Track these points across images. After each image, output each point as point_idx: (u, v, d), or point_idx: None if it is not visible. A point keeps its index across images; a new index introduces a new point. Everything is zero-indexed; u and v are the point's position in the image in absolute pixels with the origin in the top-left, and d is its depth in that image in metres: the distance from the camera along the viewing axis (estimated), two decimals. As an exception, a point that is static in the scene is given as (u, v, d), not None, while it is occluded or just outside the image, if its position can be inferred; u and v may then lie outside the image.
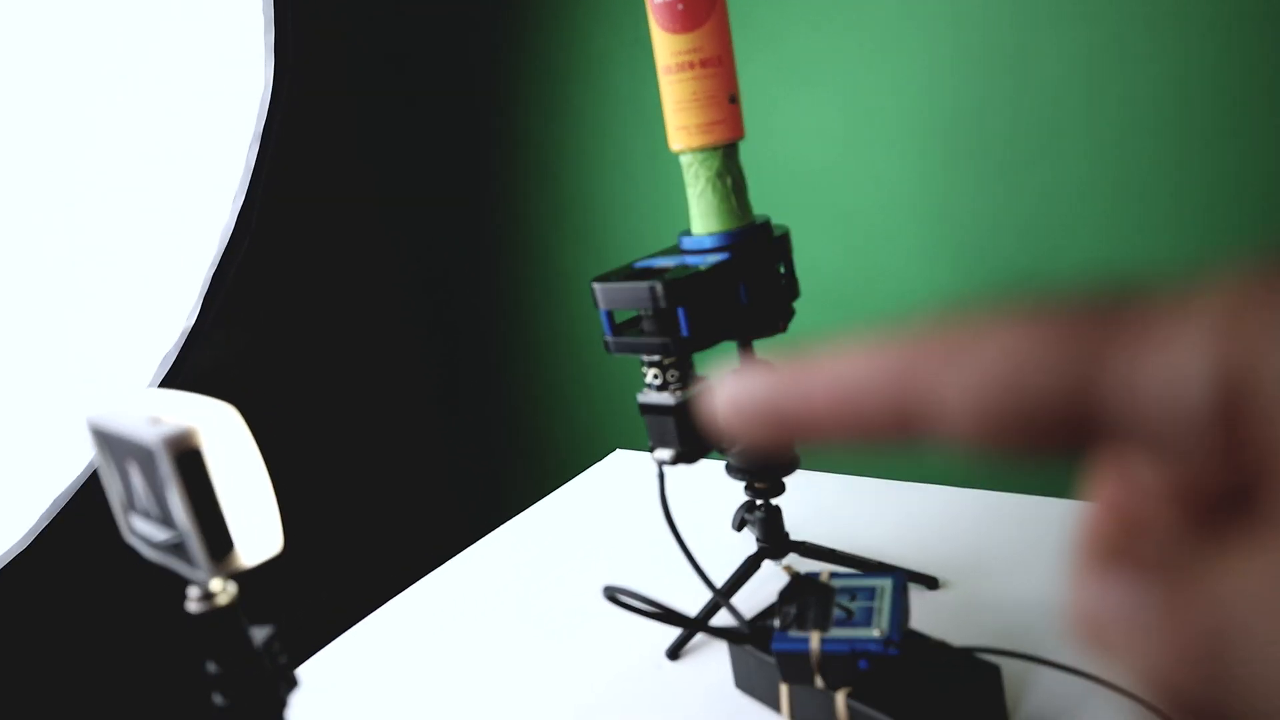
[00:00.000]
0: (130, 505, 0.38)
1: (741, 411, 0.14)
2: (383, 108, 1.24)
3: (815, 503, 0.80)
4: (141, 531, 0.37)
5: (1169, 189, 0.84)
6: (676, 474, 0.92)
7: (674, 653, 0.62)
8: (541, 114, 1.16)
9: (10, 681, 0.92)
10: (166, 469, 0.33)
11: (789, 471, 0.64)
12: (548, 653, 0.66)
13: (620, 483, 0.93)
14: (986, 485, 0.98)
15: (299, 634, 1.18)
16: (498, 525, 1.46)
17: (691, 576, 0.73)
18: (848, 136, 0.97)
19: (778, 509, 0.66)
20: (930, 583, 0.64)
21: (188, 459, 0.33)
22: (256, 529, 0.35)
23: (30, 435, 0.96)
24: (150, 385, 1.06)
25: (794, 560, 0.71)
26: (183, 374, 1.08)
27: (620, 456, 1.03)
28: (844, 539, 0.73)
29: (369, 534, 1.28)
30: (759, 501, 0.66)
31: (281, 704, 0.39)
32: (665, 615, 0.53)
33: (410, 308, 1.35)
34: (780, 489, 0.65)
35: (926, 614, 0.61)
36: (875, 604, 0.51)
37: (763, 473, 0.63)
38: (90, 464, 1.01)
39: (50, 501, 0.97)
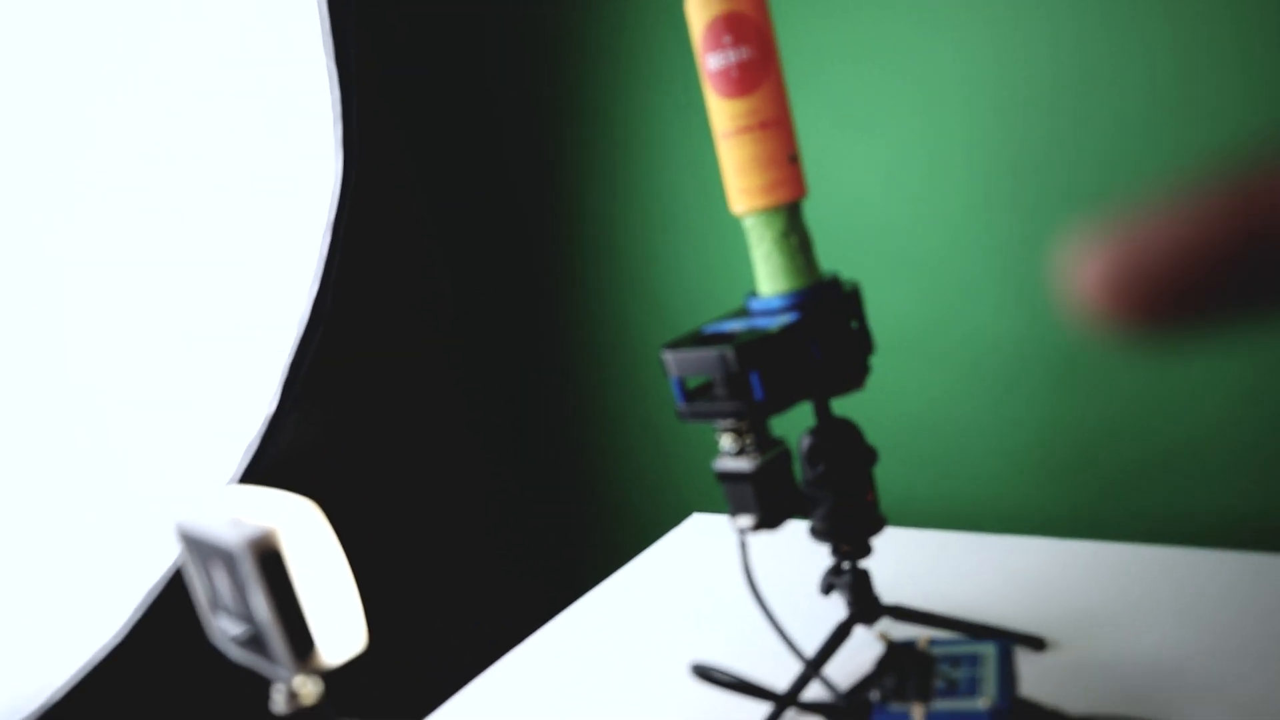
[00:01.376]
0: (216, 605, 0.38)
1: (1120, 286, 0.13)
2: (448, 189, 1.28)
3: (906, 561, 0.77)
4: (227, 632, 0.38)
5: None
6: (758, 539, 0.90)
7: (768, 730, 0.60)
8: (601, 185, 1.17)
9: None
10: (248, 570, 0.33)
11: (875, 532, 0.62)
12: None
13: (699, 548, 0.91)
14: (1087, 535, 0.93)
15: None
16: (576, 598, 1.44)
17: (780, 647, 0.70)
18: (912, 184, 0.96)
19: (866, 572, 0.63)
20: (1036, 644, 0.60)
21: (269, 560, 0.33)
22: (339, 627, 0.34)
23: (118, 533, 0.99)
24: (235, 474, 1.08)
25: (888, 626, 0.68)
26: (264, 461, 1.11)
27: (698, 521, 1.01)
28: (939, 599, 0.70)
29: (449, 617, 1.28)
30: (846, 564, 0.63)
31: (371, 804, 0.39)
32: (756, 691, 0.51)
33: (478, 379, 1.36)
34: (867, 550, 0.62)
35: (1035, 679, 0.58)
36: (980, 671, 0.48)
37: (848, 534, 0.61)
38: (176, 561, 1.03)
39: (140, 599, 0.99)
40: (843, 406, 1.02)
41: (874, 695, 0.50)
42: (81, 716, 0.94)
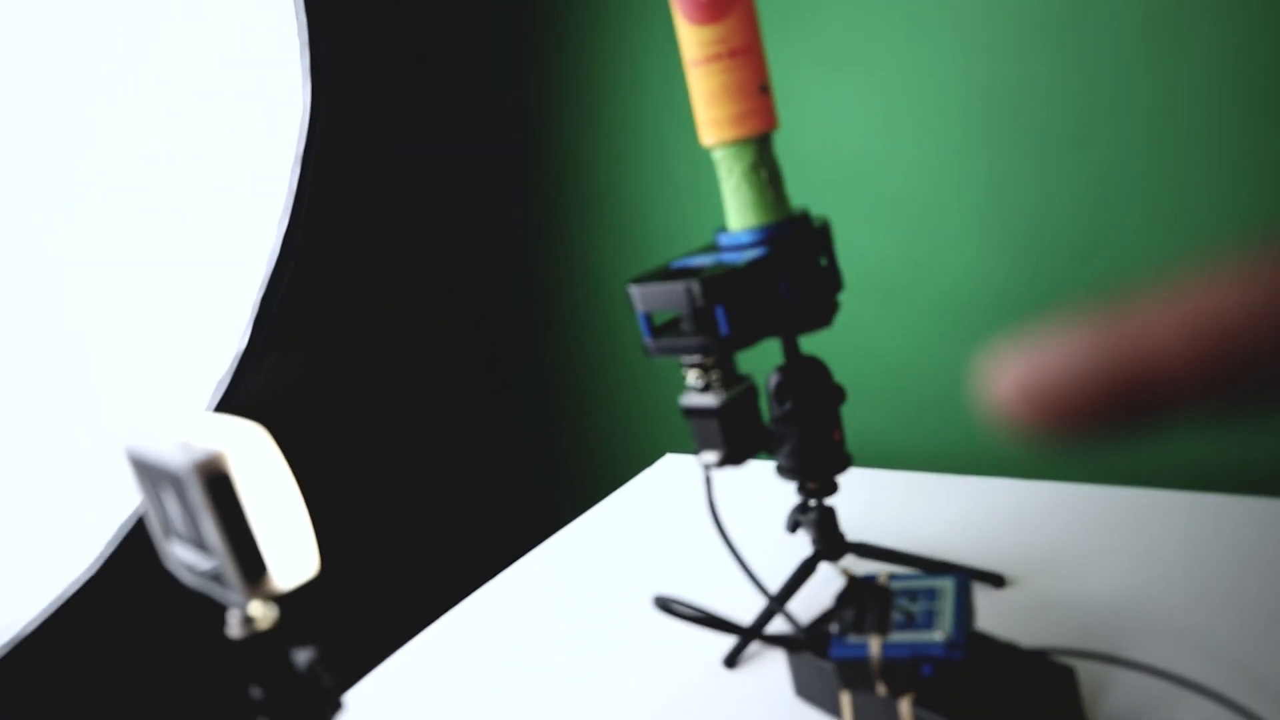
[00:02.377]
0: (168, 531, 0.38)
1: (1035, 399, 0.14)
2: (415, 119, 1.25)
3: (872, 500, 0.78)
4: (180, 558, 0.37)
5: (1227, 159, 0.80)
6: (727, 477, 0.90)
7: (731, 661, 0.61)
8: (575, 116, 1.15)
9: (74, 706, 0.94)
10: (197, 495, 0.32)
11: (841, 470, 0.62)
12: (603, 664, 0.64)
13: (671, 488, 0.92)
14: (1050, 475, 0.94)
15: (349, 656, 1.19)
16: (548, 536, 1.45)
17: (747, 582, 0.71)
18: (887, 122, 0.95)
19: (831, 509, 0.63)
20: (996, 581, 0.61)
21: (218, 484, 0.32)
22: (290, 552, 0.34)
23: (90, 468, 0.98)
24: (207, 409, 1.07)
25: (851, 562, 0.69)
26: (237, 397, 1.10)
27: (670, 461, 1.02)
28: (903, 537, 0.71)
29: (419, 551, 1.28)
30: (812, 502, 0.64)
31: (326, 727, 0.39)
32: (718, 624, 0.52)
33: (451, 318, 1.35)
34: (833, 488, 0.63)
35: (993, 614, 0.59)
36: (937, 606, 0.49)
37: (814, 471, 0.61)
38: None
39: (112, 532, 0.99)
40: (821, 348, 1.02)
41: (833, 628, 0.50)
42: (55, 646, 0.94)
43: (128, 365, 1.02)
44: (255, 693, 0.38)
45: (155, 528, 0.38)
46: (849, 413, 1.01)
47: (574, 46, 1.13)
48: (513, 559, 1.44)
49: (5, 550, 0.93)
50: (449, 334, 1.34)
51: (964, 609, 0.49)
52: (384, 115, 1.21)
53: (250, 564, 0.33)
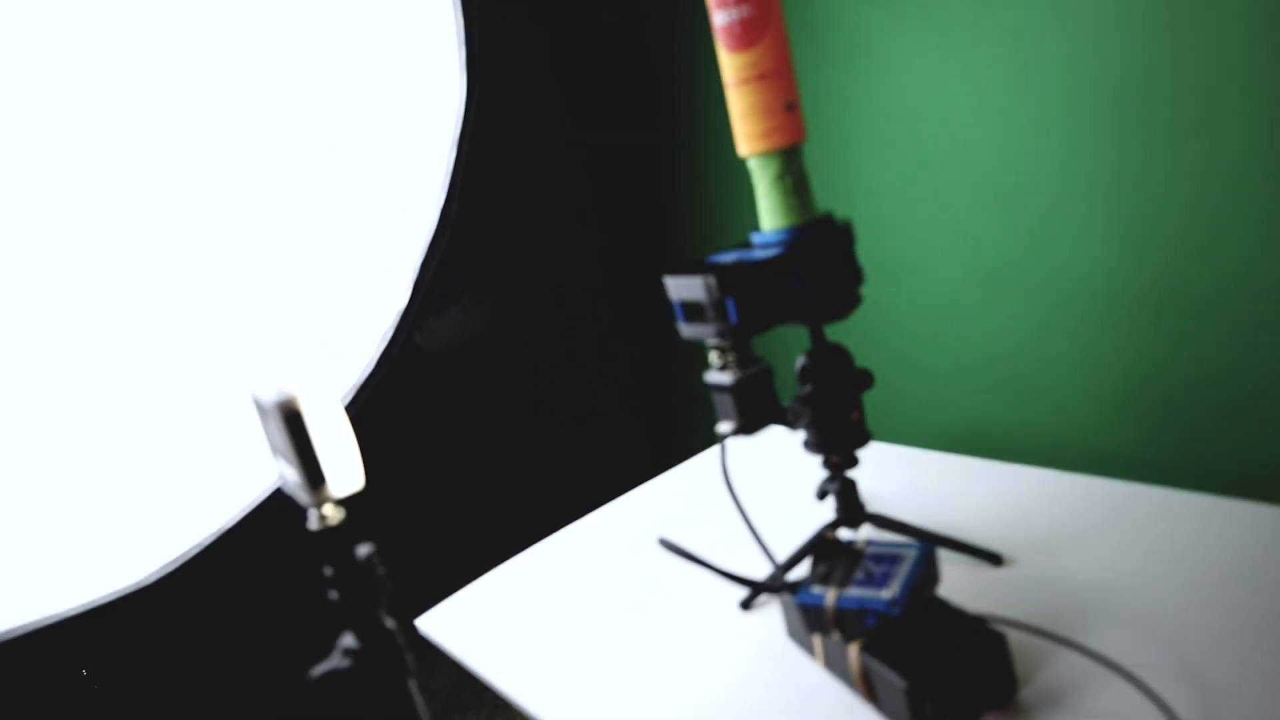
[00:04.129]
0: (275, 450, 0.52)
1: None
2: (571, 103, 1.38)
3: (904, 478, 0.84)
4: (280, 469, 0.52)
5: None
6: (782, 445, 0.98)
7: (746, 604, 0.70)
8: (716, 105, 1.23)
9: (208, 644, 1.16)
10: (277, 423, 0.46)
11: (860, 445, 0.69)
12: (651, 599, 0.75)
13: (772, 447, 1.00)
14: (1133, 473, 0.94)
15: (468, 559, 1.37)
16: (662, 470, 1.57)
17: (786, 537, 0.79)
18: (1004, 108, 0.97)
19: (852, 482, 0.71)
20: (994, 559, 0.66)
21: (292, 418, 0.46)
22: (342, 469, 0.47)
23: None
24: (372, 359, 1.27)
25: (868, 530, 0.76)
26: (399, 342, 1.29)
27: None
28: (923, 514, 0.76)
29: (525, 482, 1.44)
30: (837, 473, 0.71)
31: (376, 603, 0.52)
32: (707, 566, 0.61)
33: (600, 294, 1.48)
34: (854, 462, 0.70)
35: (984, 588, 0.64)
36: (895, 570, 0.56)
37: (830, 448, 0.68)
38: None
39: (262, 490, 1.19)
40: (921, 329, 1.06)
41: (807, 579, 0.58)
42: (209, 577, 1.16)
43: (301, 324, 1.22)
44: (327, 571, 0.51)
45: (271, 448, 0.53)
46: (952, 390, 1.05)
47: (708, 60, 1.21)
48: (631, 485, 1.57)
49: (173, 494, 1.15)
50: (594, 299, 1.48)
51: (919, 575, 0.55)
52: (531, 107, 1.35)
53: (313, 476, 0.47)
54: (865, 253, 1.11)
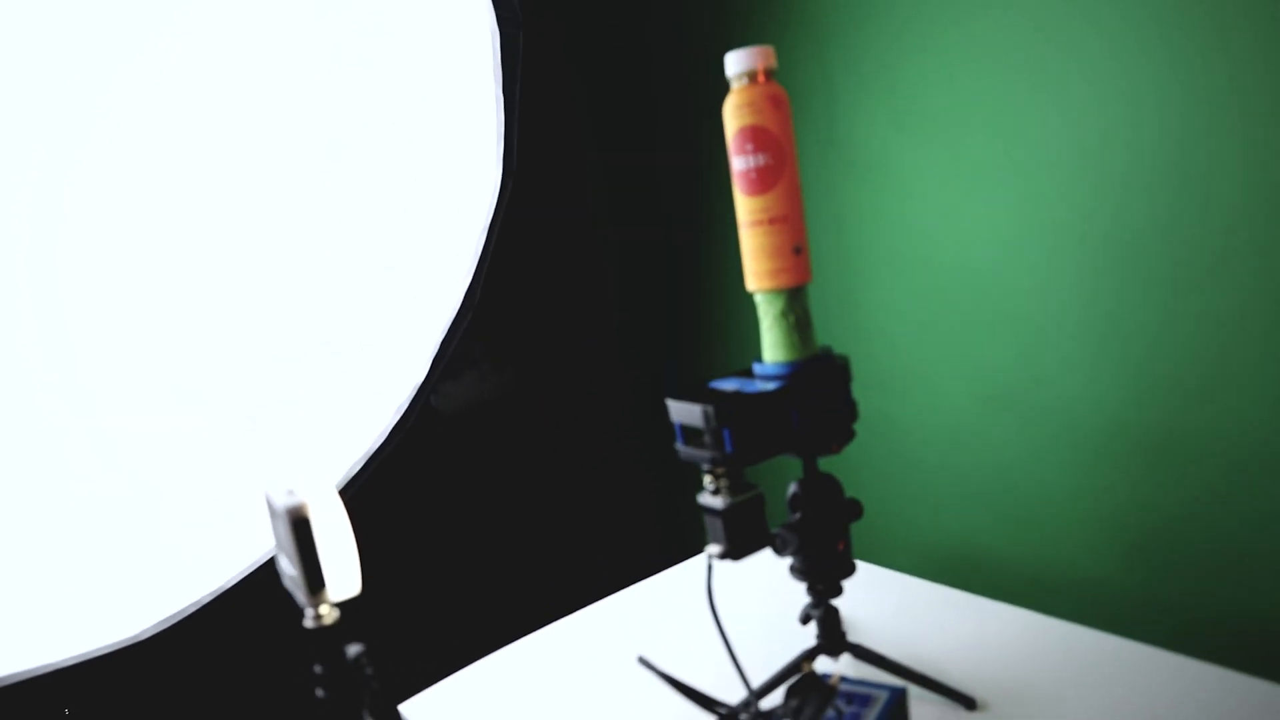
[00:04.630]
0: (280, 548, 0.55)
1: None
2: (597, 199, 1.43)
3: (889, 605, 0.85)
4: (283, 567, 0.54)
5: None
6: (770, 563, 0.99)
7: (722, 723, 0.71)
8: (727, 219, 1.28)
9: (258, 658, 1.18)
10: (285, 528, 0.49)
11: (845, 576, 0.71)
12: (629, 699, 0.77)
13: (745, 565, 1.02)
14: (1057, 612, 0.95)
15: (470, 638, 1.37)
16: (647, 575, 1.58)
17: (760, 660, 0.80)
18: (1017, 241, 1.00)
19: (835, 610, 0.72)
20: (968, 703, 0.67)
21: (300, 524, 0.49)
22: (342, 577, 0.50)
23: (286, 460, 1.22)
24: (385, 429, 1.30)
25: (846, 660, 0.77)
26: (412, 416, 1.32)
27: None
28: (904, 646, 0.77)
29: (526, 563, 1.45)
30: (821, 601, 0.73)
31: (361, 702, 0.54)
32: (682, 690, 0.63)
33: (610, 382, 1.51)
34: (838, 591, 0.71)
35: (956, 731, 0.65)
36: (865, 712, 0.57)
37: (816, 577, 0.70)
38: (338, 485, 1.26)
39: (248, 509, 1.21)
40: (921, 446, 1.08)
41: (777, 712, 0.60)
42: (246, 606, 1.18)
43: (301, 324, 1.22)
44: (316, 669, 0.54)
45: (276, 543, 0.56)
46: (952, 512, 1.06)
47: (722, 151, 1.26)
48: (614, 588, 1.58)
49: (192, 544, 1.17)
50: (604, 391, 1.51)
51: (888, 718, 0.57)
52: (562, 194, 1.41)
53: (314, 581, 0.49)
54: (871, 365, 1.14)
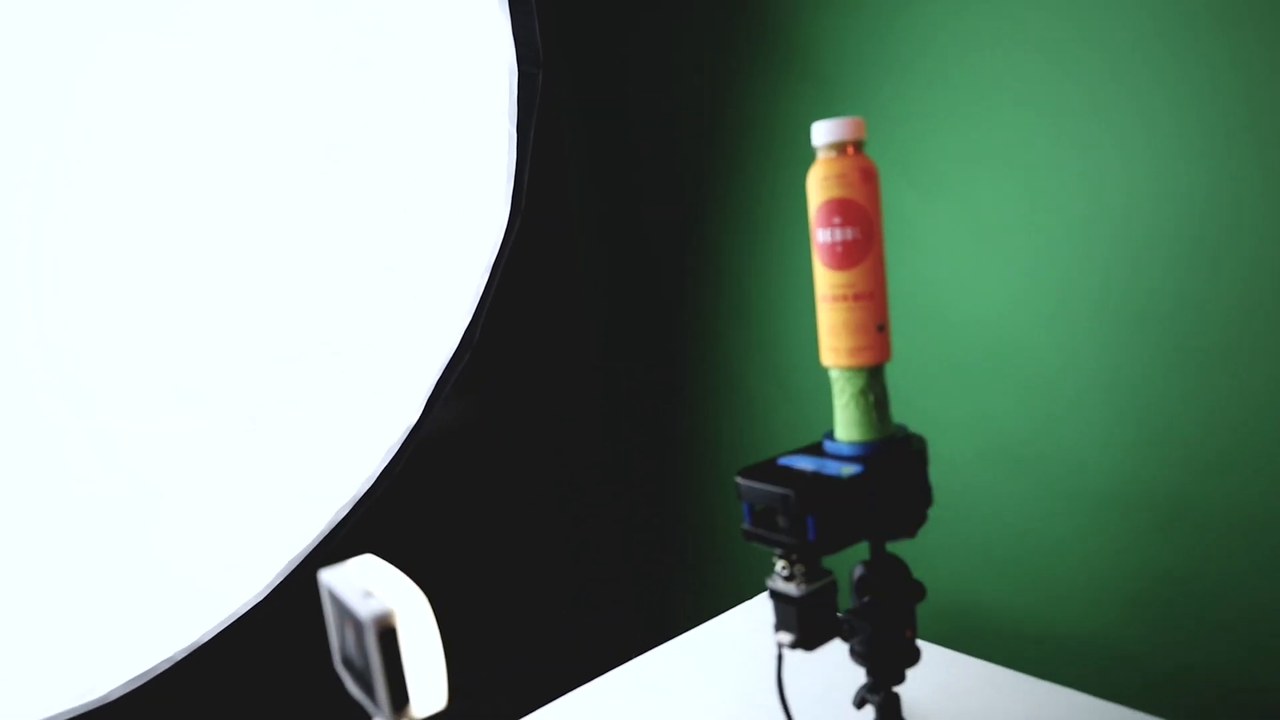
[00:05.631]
0: (343, 648, 0.49)
1: None
2: (600, 247, 1.39)
3: (946, 688, 0.82)
4: (346, 670, 0.49)
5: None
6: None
7: (780, 821, 0.67)
8: (744, 263, 1.26)
9: (236, 714, 1.10)
10: (370, 638, 0.44)
11: (911, 664, 0.68)
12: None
13: (764, 626, 0.98)
14: (1124, 689, 0.94)
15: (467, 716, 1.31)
16: (658, 639, 1.53)
17: (813, 742, 0.77)
18: (1034, 303, 0.99)
19: (896, 695, 0.69)
20: (1042, 802, 0.65)
21: (387, 634, 0.43)
22: (428, 691, 0.45)
23: (276, 510, 1.15)
24: (375, 470, 1.23)
25: (910, 749, 0.74)
26: (404, 457, 1.26)
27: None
28: (966, 734, 0.75)
29: (539, 629, 1.39)
30: (880, 686, 0.70)
31: (431, 824, 0.49)
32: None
33: (606, 418, 1.47)
34: (900, 679, 0.68)
35: (1032, 835, 0.62)
36: (963, 826, 0.54)
37: (883, 665, 0.67)
38: (323, 530, 1.19)
39: (286, 561, 1.15)
40: (939, 510, 1.07)
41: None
42: (225, 658, 1.10)
43: (322, 391, 1.19)
44: (383, 785, 0.48)
45: (334, 639, 0.50)
46: (955, 573, 1.04)
47: (744, 184, 1.24)
48: (619, 659, 1.53)
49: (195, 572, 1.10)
50: (600, 434, 1.46)
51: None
52: (569, 241, 1.36)
53: (398, 696, 0.44)
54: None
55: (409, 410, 1.27)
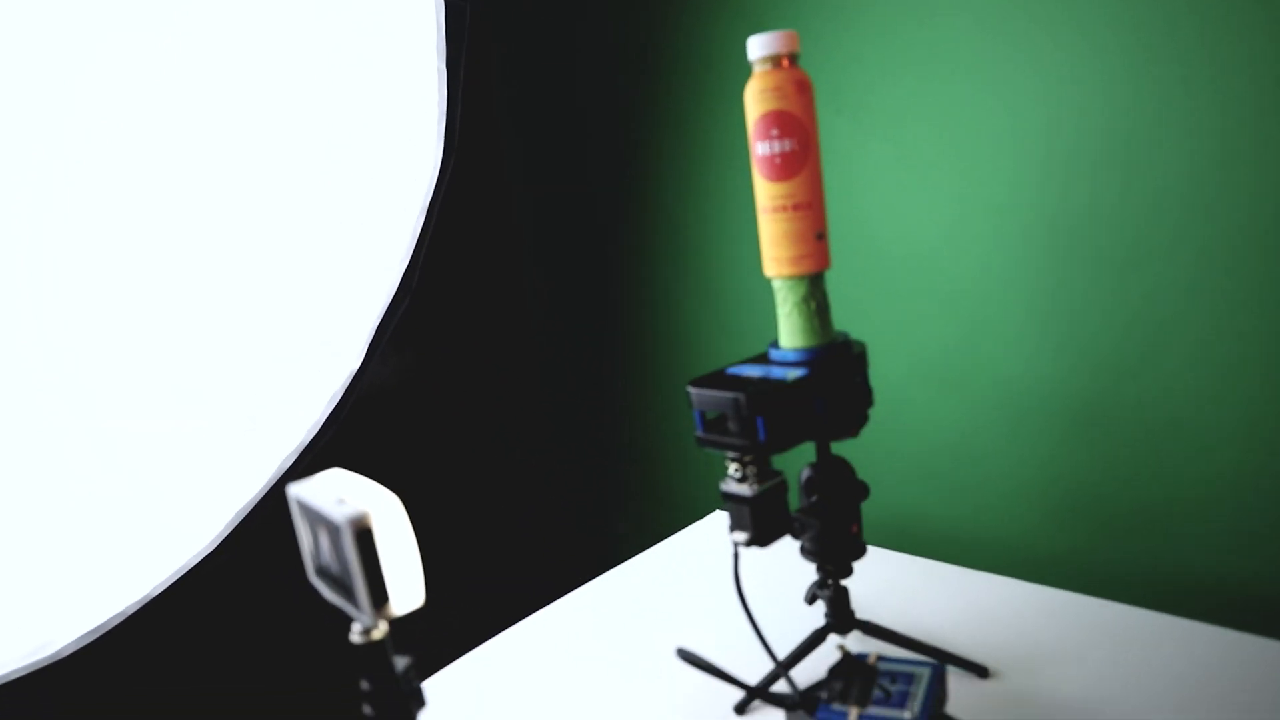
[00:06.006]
0: (317, 557, 0.50)
1: None
2: (535, 187, 1.39)
3: (889, 582, 0.87)
4: (322, 578, 0.50)
5: (1276, 298, 0.86)
6: (758, 551, 1.00)
7: (740, 709, 0.71)
8: (679, 198, 1.27)
9: (190, 670, 1.10)
10: (348, 540, 0.45)
11: (856, 558, 0.72)
12: (629, 699, 0.75)
13: (719, 542, 1.02)
14: (1054, 581, 1.01)
15: (420, 654, 1.33)
16: (608, 567, 1.57)
17: (775, 640, 0.81)
18: (961, 226, 1.03)
19: (845, 589, 0.73)
20: (980, 671, 0.70)
21: (363, 535, 0.45)
22: (406, 588, 0.46)
23: (218, 459, 1.14)
24: (318, 419, 1.23)
25: (855, 637, 0.78)
26: (348, 404, 1.25)
27: (719, 517, 1.12)
28: (908, 620, 0.80)
29: (479, 568, 1.41)
30: (829, 580, 0.74)
31: (411, 717, 0.51)
32: (728, 679, 0.62)
33: (550, 363, 1.48)
34: (848, 571, 0.72)
35: (971, 701, 0.68)
36: (912, 689, 0.58)
37: (832, 557, 0.71)
38: (270, 479, 1.18)
39: (235, 511, 1.14)
40: (872, 427, 1.11)
41: (823, 695, 0.60)
42: (176, 611, 1.10)
43: (255, 374, 1.17)
44: (364, 685, 0.50)
45: (306, 552, 0.51)
46: (888, 485, 1.10)
47: (683, 130, 1.25)
48: (574, 583, 1.56)
49: (140, 525, 1.09)
50: (540, 371, 1.48)
51: (934, 695, 0.58)
52: (503, 178, 1.36)
53: (378, 596, 0.46)
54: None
55: (350, 358, 1.26)
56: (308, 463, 1.22)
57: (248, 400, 1.16)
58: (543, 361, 1.49)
